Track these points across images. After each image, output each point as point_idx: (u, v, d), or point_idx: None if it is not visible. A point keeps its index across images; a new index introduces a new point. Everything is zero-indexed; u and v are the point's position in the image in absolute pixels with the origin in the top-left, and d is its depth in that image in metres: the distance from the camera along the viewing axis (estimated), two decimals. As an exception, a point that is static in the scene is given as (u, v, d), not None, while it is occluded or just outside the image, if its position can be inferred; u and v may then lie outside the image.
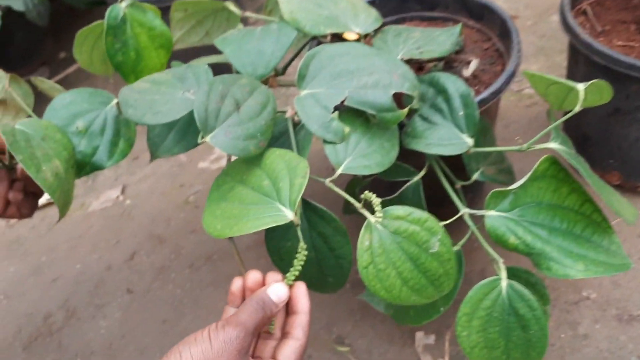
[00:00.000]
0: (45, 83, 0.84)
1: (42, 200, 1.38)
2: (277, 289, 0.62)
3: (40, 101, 0.85)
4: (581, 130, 1.12)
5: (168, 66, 0.87)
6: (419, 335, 1.03)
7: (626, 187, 1.13)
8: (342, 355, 1.02)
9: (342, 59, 0.74)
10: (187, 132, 0.82)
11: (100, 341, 1.11)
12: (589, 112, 1.06)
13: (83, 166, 0.77)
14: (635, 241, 1.09)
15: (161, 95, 0.73)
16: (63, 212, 0.69)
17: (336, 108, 0.72)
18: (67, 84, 1.61)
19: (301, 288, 0.65)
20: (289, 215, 0.65)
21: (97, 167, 0.77)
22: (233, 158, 0.78)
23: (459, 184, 0.88)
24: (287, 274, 0.67)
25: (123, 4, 0.82)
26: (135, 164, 1.45)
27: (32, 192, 0.78)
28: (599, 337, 0.98)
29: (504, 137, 1.28)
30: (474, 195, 1.11)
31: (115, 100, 0.79)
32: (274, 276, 0.66)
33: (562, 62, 1.41)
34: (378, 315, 1.06)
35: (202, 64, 0.77)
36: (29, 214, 0.79)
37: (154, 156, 0.83)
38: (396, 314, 0.89)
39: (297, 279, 0.70)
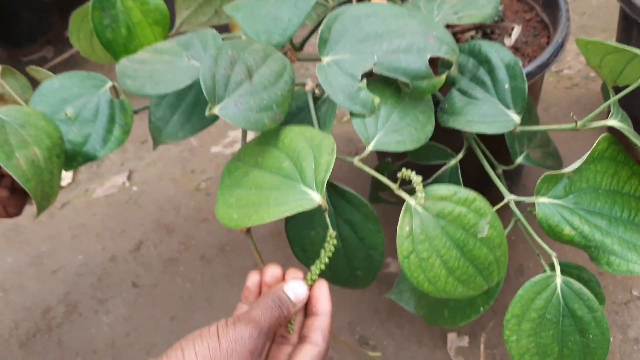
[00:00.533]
0: (40, 73, 0.77)
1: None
2: (295, 287, 0.55)
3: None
4: (631, 112, 1.02)
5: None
6: (451, 336, 0.94)
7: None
8: (368, 357, 0.93)
9: (369, 20, 0.65)
10: (192, 113, 0.74)
11: (103, 339, 1.03)
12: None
13: (74, 156, 0.70)
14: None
15: (163, 64, 0.65)
16: (42, 206, 0.62)
17: (364, 76, 0.63)
18: (73, 63, 1.53)
19: (322, 287, 0.58)
20: (316, 198, 0.56)
21: (89, 157, 0.70)
22: (249, 138, 0.70)
23: (500, 169, 0.78)
24: (312, 267, 0.59)
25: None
26: (143, 148, 1.37)
27: (20, 190, 0.72)
28: (652, 340, 0.89)
29: (542, 121, 1.18)
30: (512, 182, 1.02)
31: (109, 84, 0.71)
32: (295, 273, 0.58)
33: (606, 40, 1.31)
34: (405, 314, 0.97)
35: (209, 29, 0.68)
36: (16, 213, 0.74)
37: (156, 142, 0.75)
38: (428, 314, 0.80)
39: (322, 273, 0.61)
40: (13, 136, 0.61)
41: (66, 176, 1.32)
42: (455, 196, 0.60)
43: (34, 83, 0.78)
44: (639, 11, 0.86)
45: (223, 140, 1.35)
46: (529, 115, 0.80)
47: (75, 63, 1.55)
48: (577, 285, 0.63)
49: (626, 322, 0.92)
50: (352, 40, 0.64)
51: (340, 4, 0.81)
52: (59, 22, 1.62)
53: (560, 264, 0.68)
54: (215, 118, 0.60)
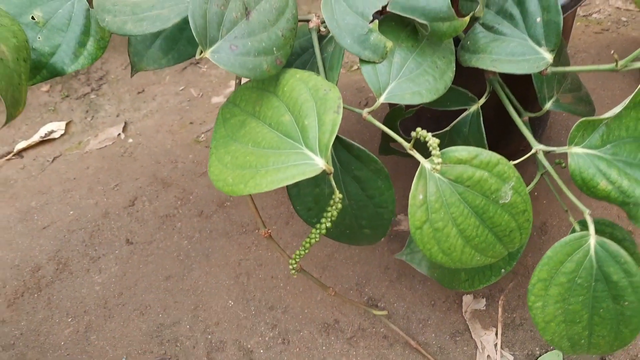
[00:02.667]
0: None
1: (34, 139, 1.24)
2: None
3: None
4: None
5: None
6: (467, 299, 0.88)
7: None
8: (376, 320, 0.88)
9: None
10: (179, 38, 0.68)
11: (95, 298, 0.98)
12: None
13: (39, 69, 0.62)
14: None
15: None
16: (12, 113, 0.55)
17: (375, 15, 0.57)
18: None
19: None
20: (319, 163, 0.50)
21: (56, 72, 0.63)
22: (244, 81, 0.63)
23: (527, 116, 0.71)
24: (313, 230, 0.53)
25: None
26: (139, 98, 1.30)
27: None
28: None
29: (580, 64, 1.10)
30: (535, 134, 0.95)
31: None
32: None
33: None
34: (418, 275, 0.91)
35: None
36: None
37: (136, 68, 0.68)
38: (443, 277, 0.74)
39: (327, 229, 0.55)
40: None
41: (58, 127, 1.26)
42: (476, 159, 0.53)
43: None
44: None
45: (224, 90, 1.28)
46: (559, 55, 0.72)
47: None
48: (614, 246, 0.56)
49: (657, 286, 0.85)
50: None
51: None
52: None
53: (597, 221, 0.61)
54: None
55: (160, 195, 1.10)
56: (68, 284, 1.01)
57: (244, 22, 0.55)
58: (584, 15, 1.21)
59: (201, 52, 0.53)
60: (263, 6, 0.56)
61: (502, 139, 0.75)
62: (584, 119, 0.57)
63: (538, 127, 0.93)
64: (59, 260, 1.04)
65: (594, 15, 1.21)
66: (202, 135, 1.20)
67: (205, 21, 0.53)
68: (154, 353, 0.90)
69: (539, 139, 0.97)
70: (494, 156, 0.54)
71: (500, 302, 0.86)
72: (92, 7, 0.64)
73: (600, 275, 0.57)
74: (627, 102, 0.58)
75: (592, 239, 0.57)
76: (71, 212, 1.11)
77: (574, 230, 0.62)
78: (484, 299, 0.88)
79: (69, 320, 0.96)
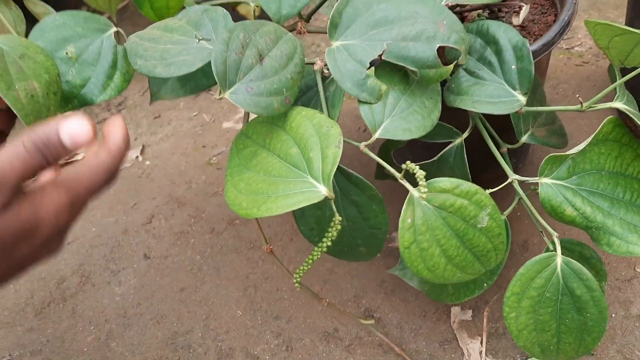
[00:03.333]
0: (38, 6, 0.75)
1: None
2: (74, 127, 0.43)
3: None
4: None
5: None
6: (455, 310, 0.95)
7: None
8: (372, 330, 0.95)
9: (381, 5, 0.64)
10: (196, 72, 0.74)
11: (115, 308, 1.05)
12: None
13: (70, 98, 0.69)
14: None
15: (174, 44, 0.65)
16: None
17: (372, 63, 0.63)
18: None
19: (117, 122, 0.47)
20: (323, 191, 0.57)
21: (86, 101, 0.69)
22: (252, 117, 0.70)
23: (505, 148, 0.79)
24: (315, 248, 0.60)
25: None
26: (156, 122, 1.37)
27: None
28: (654, 318, 0.90)
29: (551, 98, 1.18)
30: (518, 160, 1.02)
31: (113, 29, 0.71)
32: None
33: (617, 18, 1.29)
34: (410, 288, 0.98)
35: (219, 7, 0.68)
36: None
37: (155, 97, 0.75)
38: (432, 290, 0.81)
39: (328, 248, 0.63)
40: (12, 66, 0.59)
41: (81, 150, 1.33)
42: (457, 189, 0.61)
43: (29, 18, 0.76)
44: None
45: (234, 115, 1.36)
46: (534, 94, 0.80)
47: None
48: (577, 265, 0.64)
49: (629, 299, 0.92)
50: (362, 26, 0.64)
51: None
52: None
53: (563, 241, 0.69)
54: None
55: (175, 213, 1.18)
56: (90, 295, 1.08)
57: (258, 67, 0.61)
58: (566, 48, 1.29)
59: (221, 92, 0.60)
60: (275, 53, 0.63)
61: (486, 166, 0.82)
62: (552, 154, 0.65)
63: (520, 155, 1.00)
64: (82, 273, 1.12)
65: (576, 49, 1.29)
66: (214, 158, 1.27)
67: (225, 67, 0.59)
68: (169, 359, 0.98)
69: (522, 165, 1.04)
70: (473, 186, 0.61)
71: (485, 313, 0.93)
72: (119, 44, 0.72)
73: (565, 290, 0.64)
74: (590, 140, 0.65)
75: (559, 259, 0.64)
76: (93, 229, 1.19)
77: (547, 249, 0.70)
78: (471, 310, 0.95)
79: (91, 328, 1.04)
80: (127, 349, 1.00)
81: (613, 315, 0.91)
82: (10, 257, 0.42)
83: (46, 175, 0.46)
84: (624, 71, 0.66)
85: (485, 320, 0.93)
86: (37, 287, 1.11)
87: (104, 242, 1.16)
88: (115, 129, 0.46)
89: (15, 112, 0.56)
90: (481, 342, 0.91)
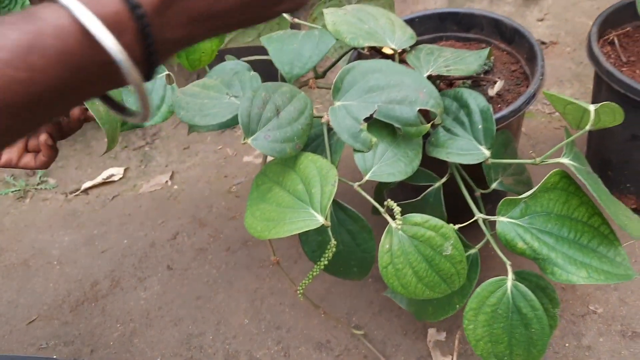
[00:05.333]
0: None
1: (97, 180, 1.46)
2: None
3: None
4: (602, 154, 1.14)
5: (222, 59, 0.93)
6: (432, 331, 1.06)
7: (641, 211, 1.15)
8: (359, 343, 1.06)
9: (374, 75, 0.77)
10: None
11: (140, 310, 1.18)
12: (609, 137, 1.09)
13: (126, 121, 0.84)
14: (645, 262, 1.11)
15: (209, 100, 0.79)
16: (110, 146, 0.77)
17: (366, 119, 0.75)
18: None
19: None
20: (320, 219, 0.69)
21: (139, 125, 0.86)
22: (269, 158, 0.83)
23: (479, 192, 0.91)
24: (315, 266, 0.73)
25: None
26: (185, 153, 1.52)
27: (54, 144, 0.73)
28: (602, 349, 1.01)
29: (528, 155, 1.31)
30: (494, 205, 1.14)
31: (165, 72, 0.85)
32: None
33: (561, 94, 1.43)
34: (395, 310, 1.10)
35: (249, 72, 0.82)
36: (46, 164, 0.72)
37: (191, 129, 0.88)
38: (416, 311, 0.93)
39: (325, 267, 0.75)
40: None
41: (118, 172, 1.48)
42: (427, 223, 0.73)
43: None
44: (604, 72, 0.99)
45: (254, 151, 1.50)
46: (505, 148, 0.93)
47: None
48: (524, 288, 0.76)
49: (581, 332, 1.03)
50: (359, 91, 0.76)
51: (347, 52, 0.94)
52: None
53: (523, 272, 0.80)
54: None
55: (197, 232, 1.31)
56: (119, 297, 1.21)
57: (275, 119, 0.73)
58: (548, 113, 1.42)
59: (244, 137, 0.73)
60: (289, 108, 0.76)
61: (465, 207, 0.94)
62: (507, 198, 0.77)
63: (495, 198, 1.12)
64: (113, 278, 1.24)
65: (556, 114, 1.42)
66: (234, 187, 1.41)
67: (249, 119, 0.72)
68: (183, 356, 1.09)
69: (493, 211, 1.16)
70: (439, 222, 0.74)
71: (457, 335, 1.05)
72: (169, 84, 0.86)
73: (514, 309, 0.76)
74: (539, 187, 0.78)
75: (509, 282, 0.76)
76: (125, 241, 1.32)
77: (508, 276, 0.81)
78: (445, 332, 1.06)
79: (118, 325, 1.16)
80: (148, 345, 1.12)
81: (567, 344, 1.02)
82: None
83: None
84: (592, 133, 0.78)
85: (456, 341, 1.04)
86: (74, 288, 1.24)
87: (134, 253, 1.29)
88: None
89: (97, 120, 0.71)
90: None
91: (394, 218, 0.74)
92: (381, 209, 0.75)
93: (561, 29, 1.68)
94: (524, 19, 1.73)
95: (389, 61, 0.81)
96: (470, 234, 0.84)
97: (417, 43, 0.93)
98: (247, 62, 0.92)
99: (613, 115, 0.77)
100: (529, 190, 0.97)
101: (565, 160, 0.78)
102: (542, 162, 0.79)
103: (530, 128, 1.38)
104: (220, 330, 1.12)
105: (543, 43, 1.64)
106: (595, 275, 0.75)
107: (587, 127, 0.76)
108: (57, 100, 0.31)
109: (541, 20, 1.72)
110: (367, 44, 0.85)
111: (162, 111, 0.84)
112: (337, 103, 0.78)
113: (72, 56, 0.30)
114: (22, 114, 0.30)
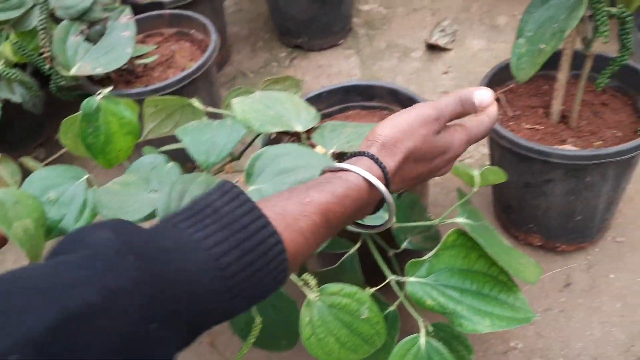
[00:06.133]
0: (30, 162, 0.95)
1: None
2: (482, 94, 0.64)
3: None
4: (504, 200, 1.23)
5: (139, 151, 0.97)
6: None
7: (547, 248, 1.23)
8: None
9: (283, 158, 0.81)
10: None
11: None
12: (507, 186, 1.18)
13: (51, 230, 0.87)
14: (556, 295, 1.19)
15: (130, 196, 0.83)
16: (34, 262, 0.79)
17: None
18: (61, 161, 1.70)
19: (491, 96, 0.66)
20: None
21: (63, 232, 0.87)
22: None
23: (392, 252, 0.98)
24: (244, 341, 0.77)
25: (98, 97, 0.93)
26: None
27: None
28: (526, 382, 1.07)
29: (442, 203, 1.39)
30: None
31: (85, 176, 0.89)
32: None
33: None
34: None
35: (166, 164, 0.87)
36: None
37: None
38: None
39: (254, 342, 0.79)
40: (11, 211, 0.78)
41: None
42: (342, 291, 0.78)
43: (25, 171, 0.95)
44: (495, 133, 1.08)
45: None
46: (412, 209, 1.00)
47: (63, 161, 1.71)
48: (437, 343, 0.81)
49: (505, 368, 1.10)
50: (270, 174, 0.81)
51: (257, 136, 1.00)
52: (49, 128, 1.78)
53: (437, 324, 0.86)
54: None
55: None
56: None
57: None
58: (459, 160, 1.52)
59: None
60: None
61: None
62: (412, 260, 0.83)
63: (408, 255, 1.19)
64: None
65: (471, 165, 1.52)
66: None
67: (167, 212, 0.76)
68: None
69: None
70: (354, 288, 0.79)
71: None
72: (90, 187, 0.90)
73: (430, 362, 0.82)
74: (439, 246, 0.84)
75: (422, 339, 0.81)
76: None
77: (427, 331, 0.87)
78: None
79: None
80: None
81: (492, 381, 1.08)
82: (431, 163, 0.64)
83: (456, 121, 0.66)
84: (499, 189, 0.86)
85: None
86: None
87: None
88: (493, 106, 0.65)
89: (16, 243, 0.74)
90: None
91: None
92: (299, 283, 0.80)
93: (464, 80, 1.80)
94: (430, 73, 1.84)
95: (295, 145, 0.87)
96: (390, 292, 0.89)
97: (328, 115, 1.01)
98: (167, 150, 0.96)
99: (497, 174, 0.85)
100: (435, 245, 1.05)
101: (460, 219, 0.85)
102: (442, 222, 0.86)
103: (445, 178, 1.47)
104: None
105: (449, 96, 1.75)
106: (498, 322, 0.82)
107: (475, 189, 0.84)
108: (346, 223, 0.58)
109: (446, 72, 1.84)
110: (275, 130, 0.91)
111: (85, 215, 0.88)
112: (251, 187, 0.82)
113: (362, 198, 0.56)
114: (333, 232, 0.56)
